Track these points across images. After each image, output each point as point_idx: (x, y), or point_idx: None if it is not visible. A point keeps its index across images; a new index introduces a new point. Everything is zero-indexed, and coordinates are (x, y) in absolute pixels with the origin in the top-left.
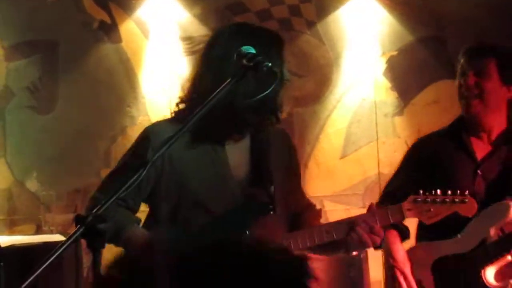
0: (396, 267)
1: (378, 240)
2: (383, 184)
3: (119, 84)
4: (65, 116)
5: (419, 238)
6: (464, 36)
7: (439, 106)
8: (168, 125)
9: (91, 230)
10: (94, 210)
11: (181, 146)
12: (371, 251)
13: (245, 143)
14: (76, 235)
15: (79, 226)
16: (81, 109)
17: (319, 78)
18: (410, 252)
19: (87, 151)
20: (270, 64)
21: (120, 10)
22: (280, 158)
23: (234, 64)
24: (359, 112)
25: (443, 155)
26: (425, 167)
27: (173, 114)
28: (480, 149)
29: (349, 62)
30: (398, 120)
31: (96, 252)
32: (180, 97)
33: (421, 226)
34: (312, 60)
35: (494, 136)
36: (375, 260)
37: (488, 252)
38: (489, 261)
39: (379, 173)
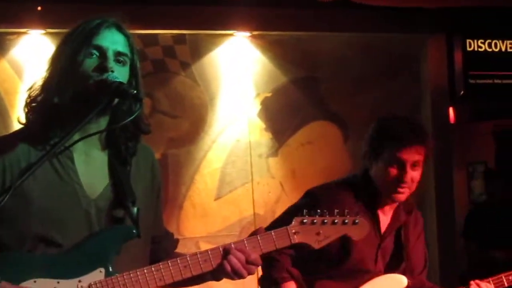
0: None
1: (253, 270)
2: (258, 224)
3: None
4: None
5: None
6: (337, 76)
7: (312, 146)
8: (13, 139)
9: None
10: None
11: (22, 163)
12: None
13: (101, 156)
14: None
15: None
16: None
17: (193, 119)
18: None
19: None
20: (135, 91)
21: None
22: (142, 176)
23: (95, 87)
24: (234, 152)
25: None
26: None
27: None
28: (384, 221)
29: (224, 103)
30: (272, 160)
31: None
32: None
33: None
34: (186, 101)
35: (395, 205)
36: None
37: None
38: None
39: (254, 214)
